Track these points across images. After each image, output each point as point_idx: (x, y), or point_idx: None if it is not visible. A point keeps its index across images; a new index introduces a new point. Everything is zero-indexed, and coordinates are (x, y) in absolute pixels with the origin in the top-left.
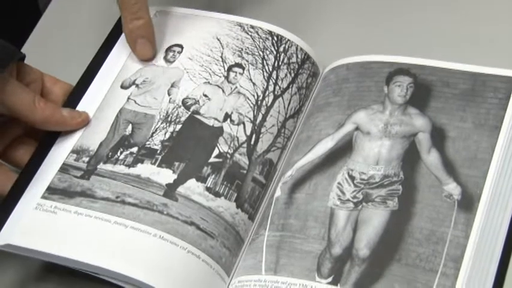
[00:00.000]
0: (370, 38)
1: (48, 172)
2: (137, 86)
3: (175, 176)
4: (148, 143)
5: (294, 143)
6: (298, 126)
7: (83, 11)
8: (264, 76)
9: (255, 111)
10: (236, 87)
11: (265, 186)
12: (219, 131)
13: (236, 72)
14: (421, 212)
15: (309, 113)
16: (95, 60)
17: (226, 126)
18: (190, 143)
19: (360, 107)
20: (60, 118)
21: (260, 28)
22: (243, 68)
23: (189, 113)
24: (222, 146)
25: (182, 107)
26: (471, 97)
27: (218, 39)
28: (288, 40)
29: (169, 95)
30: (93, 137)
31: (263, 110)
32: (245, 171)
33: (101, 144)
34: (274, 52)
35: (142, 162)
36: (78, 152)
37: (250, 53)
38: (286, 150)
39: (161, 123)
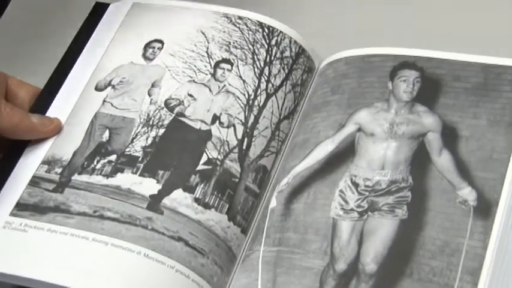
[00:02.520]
0: (371, 28)
1: (16, 186)
2: (114, 87)
3: (159, 186)
4: (128, 149)
5: (289, 147)
6: (294, 128)
7: (52, 4)
8: (255, 72)
9: (246, 112)
10: (224, 85)
11: (259, 196)
12: (207, 134)
13: (224, 68)
14: (433, 221)
15: (305, 113)
16: (66, 59)
17: (215, 129)
18: (175, 148)
19: (362, 105)
20: (29, 125)
21: (249, 19)
22: (232, 64)
23: (173, 115)
24: (211, 152)
25: (165, 109)
26: (484, 91)
27: (203, 33)
28: (281, 32)
29: (150, 95)
30: (66, 146)
31: (255, 111)
32: (237, 180)
33: (75, 153)
34: (266, 46)
35: (122, 171)
36: (49, 162)
37: (238, 47)
38: (281, 155)
39: (142, 128)
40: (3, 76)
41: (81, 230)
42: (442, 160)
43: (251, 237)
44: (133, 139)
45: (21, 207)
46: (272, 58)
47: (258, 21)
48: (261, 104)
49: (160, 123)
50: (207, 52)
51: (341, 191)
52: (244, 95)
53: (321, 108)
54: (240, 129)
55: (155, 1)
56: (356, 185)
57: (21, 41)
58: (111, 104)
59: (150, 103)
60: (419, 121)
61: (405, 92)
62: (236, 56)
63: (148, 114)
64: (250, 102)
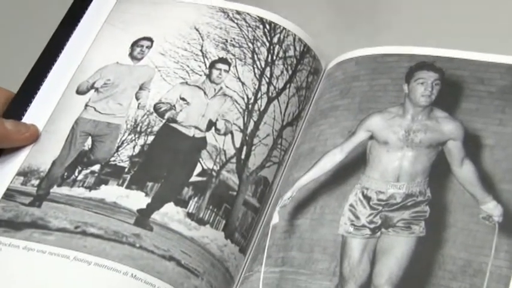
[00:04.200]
0: (384, 25)
1: None
2: (97, 90)
3: (148, 200)
4: (113, 159)
5: (293, 157)
6: (298, 135)
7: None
8: (255, 74)
9: (245, 118)
10: (221, 88)
11: (260, 211)
12: (202, 142)
13: (220, 69)
14: (454, 238)
15: (311, 119)
16: (43, 59)
17: (211, 137)
18: (165, 158)
19: (375, 110)
20: (2, 132)
21: (248, 14)
22: (229, 64)
23: (164, 121)
24: (206, 162)
25: (154, 114)
26: (511, 96)
27: (196, 29)
28: (284, 29)
29: (137, 99)
30: (43, 155)
31: (255, 116)
32: (235, 193)
33: (53, 163)
34: (267, 44)
35: (106, 183)
36: (25, 173)
37: (237, 45)
38: (284, 166)
39: (128, 135)
40: None
41: (61, 247)
42: (464, 171)
43: (251, 257)
44: (118, 147)
45: None
46: (274, 58)
47: (258, 16)
48: (261, 109)
49: (149, 130)
50: (201, 51)
51: (351, 205)
52: (243, 98)
53: (328, 114)
54: (238, 137)
55: None
56: (368, 198)
57: None
58: (94, 109)
59: (138, 107)
60: (438, 128)
61: (423, 96)
62: (234, 55)
63: (135, 120)
64: (250, 106)
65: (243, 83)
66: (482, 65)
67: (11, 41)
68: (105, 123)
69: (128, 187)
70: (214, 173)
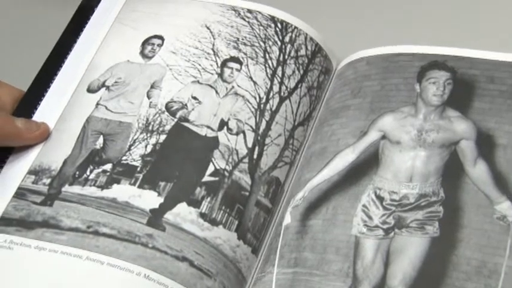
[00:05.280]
0: (395, 23)
1: (0, 199)
2: (108, 88)
3: (161, 200)
4: (125, 158)
5: (304, 157)
6: (310, 135)
7: None
8: (266, 73)
9: (257, 117)
10: (233, 87)
11: (272, 212)
12: (214, 142)
13: (232, 68)
14: (468, 239)
15: (322, 118)
16: (53, 57)
17: (223, 136)
18: (178, 157)
19: (386, 110)
20: (13, 130)
21: (260, 13)
22: (241, 63)
23: (175, 120)
24: (218, 161)
25: (166, 113)
26: None
27: (208, 28)
28: (295, 27)
29: (149, 98)
30: (55, 153)
31: (267, 116)
32: (247, 193)
33: (65, 162)
34: (279, 43)
35: (118, 182)
36: (37, 172)
37: (248, 43)
38: (296, 166)
39: (140, 134)
40: None
41: (73, 247)
42: (477, 171)
43: (263, 258)
44: (130, 146)
45: (6, 222)
46: (286, 57)
47: (270, 15)
48: (273, 109)
49: (161, 129)
50: (212, 49)
51: (364, 205)
52: (254, 98)
53: (339, 114)
54: (250, 137)
55: None
56: (381, 199)
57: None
58: (106, 107)
59: (150, 106)
60: (450, 127)
61: (435, 95)
62: (246, 54)
63: (147, 119)
64: (262, 106)
65: (254, 82)
66: (493, 64)
67: (21, 38)
68: (117, 121)
69: (140, 186)
70: (226, 173)
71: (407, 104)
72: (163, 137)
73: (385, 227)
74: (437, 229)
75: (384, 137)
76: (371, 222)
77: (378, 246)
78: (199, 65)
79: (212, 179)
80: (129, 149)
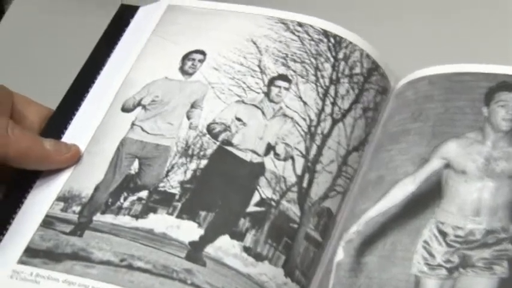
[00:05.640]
0: (460, 39)
1: (26, 227)
2: (144, 107)
3: (201, 231)
4: (162, 185)
5: (359, 186)
6: (365, 162)
7: (66, 4)
8: (318, 93)
9: (307, 142)
10: (281, 107)
11: (322, 246)
12: (260, 168)
13: (280, 87)
14: None
15: (379, 143)
16: (85, 73)
17: (269, 162)
18: (220, 185)
19: (451, 135)
20: (41, 152)
21: (311, 26)
22: (290, 82)
23: (218, 143)
24: (264, 190)
25: (207, 136)
26: None
27: (254, 42)
28: (350, 43)
29: (188, 119)
30: (86, 179)
31: (318, 140)
32: (296, 225)
33: (97, 188)
34: (332, 59)
35: (155, 211)
36: (66, 199)
37: (298, 60)
38: (349, 196)
39: (179, 158)
40: (7, 93)
41: (104, 282)
42: None
43: None
44: (168, 172)
45: (32, 253)
46: (339, 75)
47: (322, 28)
48: (325, 132)
49: (201, 153)
50: (259, 66)
51: (425, 241)
52: (304, 120)
53: (398, 138)
54: (299, 163)
55: (195, 3)
56: (444, 234)
57: (26, 51)
58: (141, 128)
59: (189, 128)
60: None
61: (504, 120)
62: (295, 71)
63: (186, 142)
64: (312, 129)
65: (304, 103)
66: None
67: (50, 54)
68: (154, 144)
69: (178, 216)
70: (273, 203)
71: (474, 129)
72: (204, 162)
73: (448, 266)
74: (506, 269)
75: (447, 166)
76: (433, 260)
77: (440, 287)
78: (244, 83)
79: (257, 209)
80: (167, 175)
